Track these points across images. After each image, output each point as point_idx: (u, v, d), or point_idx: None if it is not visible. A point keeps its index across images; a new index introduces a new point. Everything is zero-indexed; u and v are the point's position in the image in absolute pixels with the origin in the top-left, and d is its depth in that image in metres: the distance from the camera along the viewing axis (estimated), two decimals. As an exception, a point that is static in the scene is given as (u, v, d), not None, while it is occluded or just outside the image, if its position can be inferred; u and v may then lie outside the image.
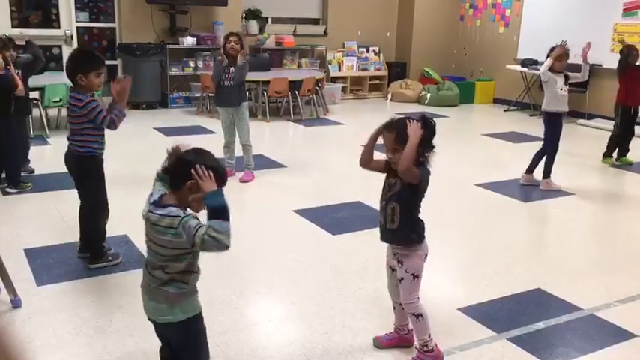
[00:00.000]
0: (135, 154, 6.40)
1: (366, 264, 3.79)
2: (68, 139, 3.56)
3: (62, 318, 3.05)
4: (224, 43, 5.38)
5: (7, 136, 4.92)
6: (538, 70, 9.16)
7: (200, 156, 2.04)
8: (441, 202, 4.86)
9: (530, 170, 5.66)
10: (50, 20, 8.74)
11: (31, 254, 3.77)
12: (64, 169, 3.68)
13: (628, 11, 8.70)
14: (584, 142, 7.75)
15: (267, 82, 8.29)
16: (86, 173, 3.56)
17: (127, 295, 3.32)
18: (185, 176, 1.99)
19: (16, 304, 3.13)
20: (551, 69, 5.34)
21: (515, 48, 10.24)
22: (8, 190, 4.98)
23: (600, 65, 8.64)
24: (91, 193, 3.61)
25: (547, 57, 5.38)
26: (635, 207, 5.33)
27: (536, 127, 8.47)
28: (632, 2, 8.63)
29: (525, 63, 9.64)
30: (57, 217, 4.48)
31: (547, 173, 5.56)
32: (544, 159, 5.55)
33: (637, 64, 6.44)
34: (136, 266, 3.66)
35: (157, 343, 2.82)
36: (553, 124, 5.48)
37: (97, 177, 3.59)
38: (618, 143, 6.65)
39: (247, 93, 5.65)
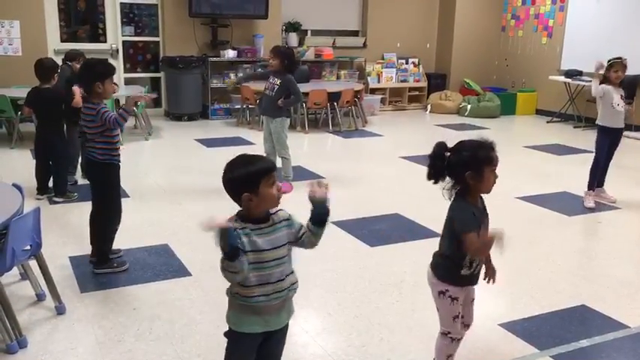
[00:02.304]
0: (176, 164, 6.51)
1: (404, 277, 3.76)
2: (86, 147, 3.66)
3: (105, 325, 3.12)
4: None
5: (60, 146, 5.10)
6: (582, 81, 9.04)
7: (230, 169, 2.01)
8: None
9: (599, 185, 5.48)
10: (97, 34, 9.01)
11: (76, 262, 3.86)
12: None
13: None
14: (631, 155, 7.52)
15: (306, 94, 8.34)
16: (103, 179, 3.65)
17: (166, 303, 3.37)
18: (234, 195, 2.01)
19: (60, 310, 3.22)
20: (605, 82, 5.14)
21: (558, 58, 10.04)
22: (55, 199, 5.13)
23: (648, 76, 8.39)
24: (105, 199, 3.70)
25: (605, 70, 5.16)
26: (686, 222, 5.13)
27: (580, 139, 8.29)
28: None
29: (569, 74, 9.44)
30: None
31: (590, 185, 5.42)
32: (590, 170, 5.42)
33: None
34: (176, 275, 3.72)
35: (196, 353, 2.87)
36: (601, 138, 5.35)
37: (112, 183, 3.69)
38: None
39: (289, 110, 5.63)
